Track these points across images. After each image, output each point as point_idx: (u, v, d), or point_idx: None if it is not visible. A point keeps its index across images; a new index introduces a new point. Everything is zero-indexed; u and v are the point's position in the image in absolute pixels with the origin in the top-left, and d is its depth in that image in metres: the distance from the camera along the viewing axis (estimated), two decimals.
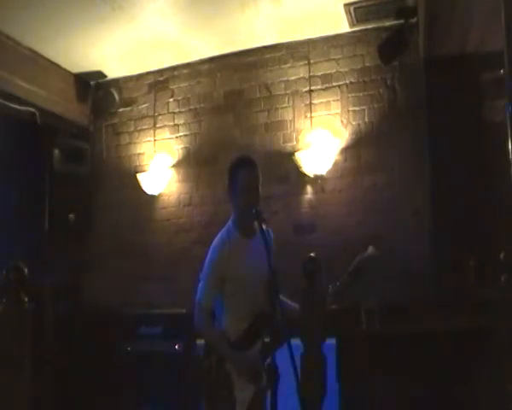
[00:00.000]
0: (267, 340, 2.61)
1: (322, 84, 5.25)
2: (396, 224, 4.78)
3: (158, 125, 5.86)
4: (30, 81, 5.17)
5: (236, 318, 2.64)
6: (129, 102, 6.01)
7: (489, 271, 3.68)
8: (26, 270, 2.64)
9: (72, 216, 5.56)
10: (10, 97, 4.98)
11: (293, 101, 5.34)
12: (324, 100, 5.23)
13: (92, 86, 6.06)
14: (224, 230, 2.73)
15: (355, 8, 4.77)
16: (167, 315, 4.88)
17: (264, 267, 2.44)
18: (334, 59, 5.24)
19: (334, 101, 5.20)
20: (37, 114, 5.29)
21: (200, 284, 2.67)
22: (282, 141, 5.34)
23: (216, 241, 2.70)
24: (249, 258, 2.62)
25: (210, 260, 2.67)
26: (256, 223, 2.58)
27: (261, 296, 2.59)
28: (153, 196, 5.71)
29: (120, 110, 6.03)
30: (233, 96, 5.59)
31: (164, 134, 5.82)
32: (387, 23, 4.87)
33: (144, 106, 5.94)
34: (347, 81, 5.18)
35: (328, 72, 5.24)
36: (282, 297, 2.53)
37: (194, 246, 5.28)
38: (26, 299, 2.65)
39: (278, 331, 2.41)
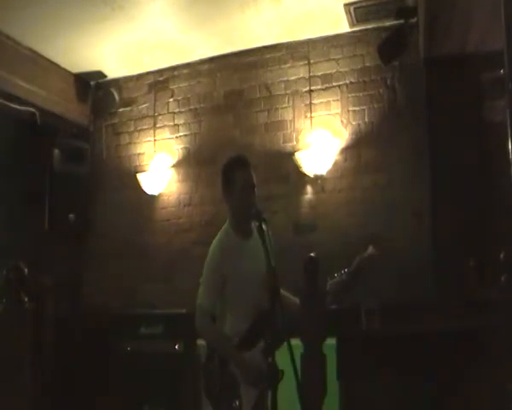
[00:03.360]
0: (268, 340, 2.60)
1: (322, 84, 5.25)
2: (396, 224, 4.78)
3: (158, 125, 5.86)
4: (30, 81, 5.17)
5: (237, 318, 2.64)
6: (129, 102, 6.01)
7: (489, 271, 3.68)
8: (26, 270, 2.65)
9: (72, 216, 5.56)
10: (10, 97, 4.98)
11: (293, 101, 5.35)
12: (324, 100, 5.23)
13: (92, 86, 6.06)
14: (221, 232, 2.75)
15: (355, 8, 4.77)
16: (167, 315, 4.86)
17: (263, 267, 2.44)
18: (334, 59, 5.24)
19: (334, 101, 5.20)
20: (37, 114, 5.29)
21: (201, 288, 2.67)
22: (282, 141, 5.34)
23: (214, 243, 2.72)
24: (248, 258, 2.63)
25: (209, 263, 2.68)
26: (253, 223, 2.58)
27: (261, 296, 2.59)
28: (153, 196, 5.71)
29: (120, 110, 6.04)
30: (233, 96, 5.59)
31: (164, 134, 5.82)
32: (387, 23, 4.87)
33: (144, 106, 5.94)
34: (347, 81, 5.18)
35: (328, 72, 5.24)
36: (282, 292, 2.53)
37: (193, 246, 5.28)
38: (26, 299, 2.65)
39: (278, 331, 2.40)
